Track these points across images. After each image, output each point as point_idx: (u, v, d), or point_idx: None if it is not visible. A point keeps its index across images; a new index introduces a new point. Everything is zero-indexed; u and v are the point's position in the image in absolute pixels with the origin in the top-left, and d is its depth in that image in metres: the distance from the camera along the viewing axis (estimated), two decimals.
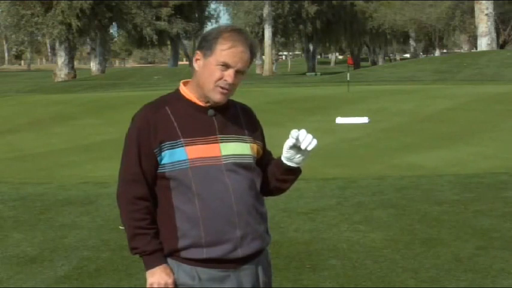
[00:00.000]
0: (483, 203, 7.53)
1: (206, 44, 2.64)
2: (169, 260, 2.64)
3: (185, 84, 2.74)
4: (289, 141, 2.68)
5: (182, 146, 2.60)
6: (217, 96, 2.63)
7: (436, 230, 6.49)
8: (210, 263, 2.61)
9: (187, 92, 2.71)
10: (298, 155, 2.73)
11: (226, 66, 2.60)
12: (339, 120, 15.93)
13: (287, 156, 2.73)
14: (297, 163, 2.75)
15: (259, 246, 2.69)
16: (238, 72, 2.63)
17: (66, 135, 15.84)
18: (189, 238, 2.60)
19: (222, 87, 2.62)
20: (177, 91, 2.74)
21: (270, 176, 2.82)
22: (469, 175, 9.11)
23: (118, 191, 2.70)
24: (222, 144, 2.65)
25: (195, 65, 2.69)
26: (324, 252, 5.87)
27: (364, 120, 15.82)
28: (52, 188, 8.98)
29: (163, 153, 2.61)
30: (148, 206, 2.64)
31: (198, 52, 2.68)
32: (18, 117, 19.68)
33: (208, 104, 2.67)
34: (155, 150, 2.61)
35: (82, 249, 6.13)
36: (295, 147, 2.70)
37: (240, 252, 2.63)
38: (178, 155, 2.60)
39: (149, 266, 2.63)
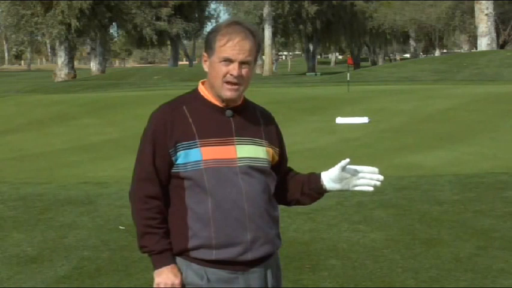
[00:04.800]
0: (483, 203, 7.53)
1: (208, 44, 2.66)
2: (178, 259, 2.63)
3: (203, 84, 2.74)
4: (349, 165, 2.73)
5: (198, 147, 2.59)
6: (227, 93, 2.62)
7: (436, 230, 6.49)
8: (219, 264, 2.60)
9: (205, 92, 2.70)
10: (338, 182, 2.78)
11: (228, 60, 2.60)
12: (339, 120, 15.92)
13: (333, 175, 2.77)
14: (328, 187, 2.79)
15: (269, 250, 2.68)
16: (243, 64, 2.61)
17: (66, 135, 15.84)
18: (199, 238, 2.59)
19: (229, 82, 2.60)
20: (196, 91, 2.73)
21: (292, 187, 2.82)
22: (469, 175, 9.11)
23: (131, 189, 2.68)
24: (238, 146, 2.63)
25: (204, 66, 2.70)
26: (324, 252, 5.87)
27: (364, 120, 15.81)
28: (52, 188, 8.98)
29: (178, 153, 2.60)
30: (159, 205, 2.63)
31: (204, 54, 2.70)
32: (18, 117, 19.67)
33: (225, 104, 2.67)
34: (170, 151, 2.60)
35: (82, 249, 6.13)
36: (343, 174, 2.75)
37: (249, 256, 2.62)
38: (193, 156, 2.59)
39: (157, 265, 2.62)
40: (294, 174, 2.88)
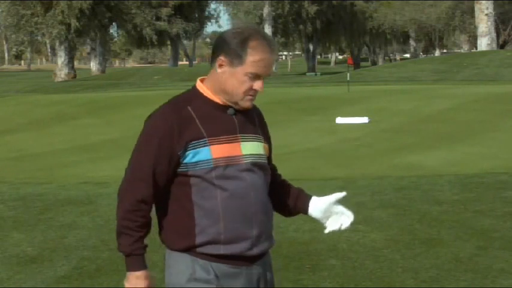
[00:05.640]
0: (483, 203, 7.53)
1: (232, 51, 2.59)
2: (184, 254, 2.63)
3: (202, 81, 2.72)
4: (339, 205, 2.91)
5: (207, 146, 2.59)
6: (247, 104, 2.65)
7: (436, 230, 6.49)
8: (225, 259, 2.62)
9: (206, 90, 2.68)
10: (322, 213, 2.91)
11: (256, 76, 2.61)
12: (339, 120, 15.92)
13: (322, 206, 2.90)
14: (310, 213, 2.90)
15: (269, 246, 2.74)
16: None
17: (66, 135, 15.84)
18: (207, 235, 2.60)
19: (251, 95, 2.64)
20: (195, 89, 2.71)
21: (280, 196, 2.88)
22: (469, 175, 9.11)
23: (121, 186, 2.67)
24: (242, 144, 2.65)
25: (219, 69, 2.62)
26: (324, 252, 5.87)
27: (364, 120, 15.81)
28: (52, 188, 8.98)
29: (187, 153, 2.58)
30: (146, 209, 2.63)
31: (222, 58, 2.61)
32: (18, 117, 19.67)
33: (227, 103, 2.67)
34: (179, 152, 2.58)
35: (82, 249, 6.13)
36: (331, 209, 2.89)
37: (255, 251, 2.66)
38: (203, 155, 2.58)
39: (128, 267, 2.67)
40: (286, 184, 2.93)
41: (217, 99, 2.67)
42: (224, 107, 2.66)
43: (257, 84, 2.62)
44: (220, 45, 2.62)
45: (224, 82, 2.62)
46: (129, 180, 2.64)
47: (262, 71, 2.60)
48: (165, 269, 2.70)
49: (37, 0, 43.77)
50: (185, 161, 2.59)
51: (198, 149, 2.59)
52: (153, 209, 2.69)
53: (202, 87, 2.69)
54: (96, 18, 45.31)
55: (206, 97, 2.67)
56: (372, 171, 9.83)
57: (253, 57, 2.58)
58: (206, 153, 2.58)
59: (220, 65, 2.62)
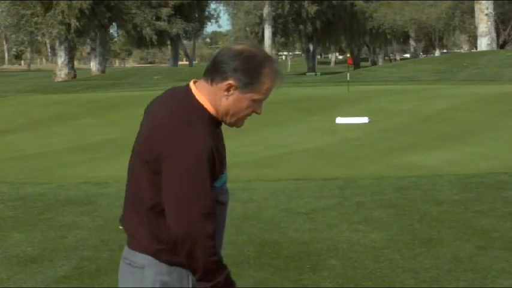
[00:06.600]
0: (483, 203, 7.53)
1: (243, 78, 2.49)
2: (158, 262, 2.57)
3: (195, 85, 2.58)
4: None
5: (225, 167, 2.58)
6: (241, 125, 2.60)
7: (436, 230, 6.49)
8: None
9: (209, 105, 2.54)
10: None
11: (261, 100, 2.56)
12: (339, 120, 15.91)
13: None
14: None
15: None
16: None
17: (66, 135, 15.84)
18: None
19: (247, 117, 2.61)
20: (196, 102, 2.54)
21: None
22: (469, 175, 9.11)
23: (190, 228, 2.42)
24: None
25: (224, 92, 2.50)
26: (324, 252, 5.87)
27: (364, 120, 15.81)
28: (52, 188, 8.98)
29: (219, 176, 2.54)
30: None
31: (231, 83, 2.49)
32: (18, 117, 19.67)
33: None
34: (220, 175, 2.53)
35: (82, 249, 6.13)
36: None
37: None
38: (224, 178, 2.57)
39: None
40: None
41: (216, 113, 2.56)
42: (219, 122, 2.59)
43: (260, 109, 2.57)
44: (229, 69, 2.48)
45: (228, 105, 2.53)
46: (197, 219, 2.43)
47: (268, 95, 2.55)
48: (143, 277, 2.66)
49: (37, 0, 43.76)
50: (214, 186, 2.51)
51: (222, 174, 2.56)
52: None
53: (204, 101, 2.55)
54: (96, 18, 45.29)
55: (210, 113, 2.55)
56: (372, 171, 9.83)
57: (265, 85, 2.51)
58: (225, 176, 2.58)
59: (228, 89, 2.50)
